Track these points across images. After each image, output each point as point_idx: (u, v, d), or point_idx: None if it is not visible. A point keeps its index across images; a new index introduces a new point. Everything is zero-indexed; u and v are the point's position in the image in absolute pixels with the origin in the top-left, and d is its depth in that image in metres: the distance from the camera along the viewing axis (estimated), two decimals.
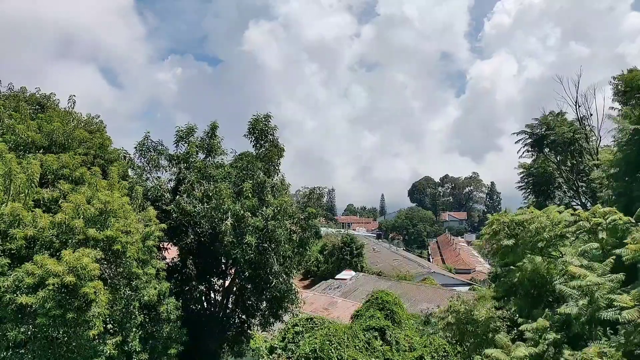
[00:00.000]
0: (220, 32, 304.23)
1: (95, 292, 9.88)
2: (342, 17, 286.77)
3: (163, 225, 12.95)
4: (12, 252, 10.21)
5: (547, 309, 9.58)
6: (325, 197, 19.42)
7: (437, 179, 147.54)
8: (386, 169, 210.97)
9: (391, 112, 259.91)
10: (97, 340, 10.52)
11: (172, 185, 16.82)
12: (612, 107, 24.68)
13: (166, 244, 16.05)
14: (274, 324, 18.29)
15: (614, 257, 8.77)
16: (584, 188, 32.46)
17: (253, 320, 18.19)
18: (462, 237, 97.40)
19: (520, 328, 9.54)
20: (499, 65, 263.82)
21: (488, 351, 8.96)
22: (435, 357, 19.10)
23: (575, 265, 9.37)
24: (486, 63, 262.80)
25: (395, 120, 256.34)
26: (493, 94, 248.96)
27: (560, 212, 11.28)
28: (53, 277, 9.44)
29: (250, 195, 15.45)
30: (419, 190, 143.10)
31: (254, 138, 17.54)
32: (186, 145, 17.02)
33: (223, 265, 17.42)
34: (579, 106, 32.61)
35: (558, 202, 31.84)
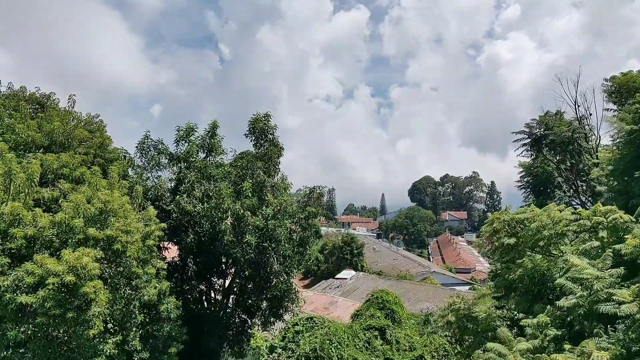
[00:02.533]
0: (231, 31, 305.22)
1: (95, 292, 9.87)
2: (356, 14, 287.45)
3: (163, 225, 12.94)
4: (12, 251, 10.21)
5: (548, 306, 9.59)
6: (326, 196, 19.41)
7: (437, 179, 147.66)
8: (405, 170, 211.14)
9: (408, 110, 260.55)
10: (97, 340, 10.51)
11: (172, 185, 16.82)
12: (607, 109, 24.78)
13: (166, 243, 16.06)
14: (274, 323, 18.29)
15: (611, 250, 8.79)
16: (583, 187, 32.49)
17: (253, 320, 18.20)
18: (463, 237, 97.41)
19: (521, 323, 9.55)
20: (517, 56, 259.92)
21: (490, 345, 8.98)
22: (435, 357, 19.09)
23: (576, 265, 9.37)
24: (502, 55, 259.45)
25: (415, 117, 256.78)
26: (516, 87, 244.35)
27: (561, 211, 11.30)
28: (53, 277, 9.44)
29: (250, 194, 15.46)
30: (419, 190, 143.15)
31: (254, 137, 17.55)
32: (187, 144, 17.02)
33: (223, 265, 17.42)
34: (578, 106, 32.65)
35: (558, 202, 31.91)
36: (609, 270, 8.35)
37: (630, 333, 7.24)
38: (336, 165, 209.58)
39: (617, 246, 8.62)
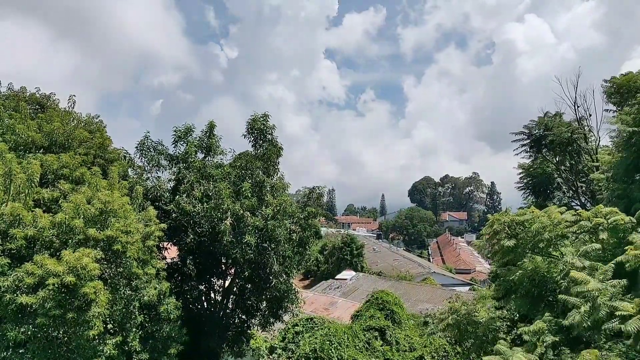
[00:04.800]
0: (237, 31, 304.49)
1: (95, 292, 9.88)
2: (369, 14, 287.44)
3: (163, 225, 12.94)
4: (12, 252, 10.22)
5: (547, 310, 9.57)
6: (325, 196, 19.40)
7: (437, 179, 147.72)
8: (419, 169, 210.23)
9: (423, 108, 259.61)
10: (97, 340, 10.52)
11: (171, 185, 16.81)
12: (607, 110, 24.76)
13: (166, 243, 16.05)
14: (274, 323, 18.29)
15: (614, 263, 8.72)
16: (583, 188, 32.46)
17: (253, 320, 18.19)
18: (462, 237, 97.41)
19: (518, 331, 9.50)
20: (535, 51, 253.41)
21: (486, 358, 8.91)
22: (435, 357, 19.09)
23: (577, 267, 9.34)
24: (519, 49, 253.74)
25: (430, 116, 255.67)
26: (535, 83, 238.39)
27: (561, 213, 11.27)
28: (53, 277, 9.45)
29: (249, 194, 15.45)
30: (419, 191, 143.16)
31: (252, 138, 17.53)
32: (185, 145, 17.01)
33: (223, 265, 17.41)
34: (578, 106, 32.63)
35: (558, 203, 31.89)
36: (611, 281, 8.27)
37: (636, 345, 7.12)
38: (346, 165, 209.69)
39: (619, 258, 8.56)
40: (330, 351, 17.32)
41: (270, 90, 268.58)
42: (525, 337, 9.00)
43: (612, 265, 8.68)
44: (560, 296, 8.92)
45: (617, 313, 7.43)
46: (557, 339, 8.48)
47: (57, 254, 10.15)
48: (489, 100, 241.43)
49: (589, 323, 7.85)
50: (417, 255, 77.64)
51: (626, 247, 8.59)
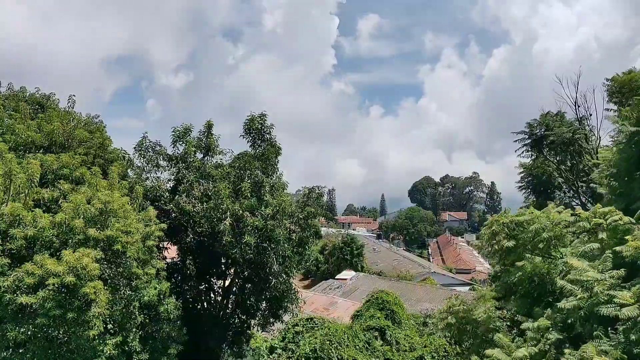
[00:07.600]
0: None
1: (95, 292, 9.88)
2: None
3: (163, 225, 12.94)
4: (12, 252, 10.23)
5: (548, 309, 9.57)
6: (325, 196, 19.39)
7: (437, 179, 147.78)
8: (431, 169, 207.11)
9: (443, 103, 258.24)
10: (97, 340, 10.51)
11: (171, 185, 16.82)
12: (608, 109, 24.78)
13: (166, 243, 16.05)
14: (273, 323, 18.29)
15: (611, 252, 8.76)
16: (584, 188, 32.48)
17: (253, 320, 18.19)
18: (462, 237, 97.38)
19: (522, 327, 9.52)
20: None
21: (488, 352, 8.92)
22: (435, 357, 19.09)
23: (576, 266, 9.34)
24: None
25: (449, 112, 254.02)
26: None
27: (559, 212, 11.28)
28: (53, 277, 9.46)
29: (248, 194, 15.45)
30: (419, 191, 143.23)
31: (250, 138, 17.53)
32: (184, 145, 17.01)
33: (223, 265, 17.42)
34: (579, 106, 32.69)
35: (558, 202, 31.89)
36: (610, 271, 8.32)
37: (631, 335, 7.22)
38: (368, 166, 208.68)
39: (617, 248, 8.59)
40: (330, 351, 17.31)
41: (276, 92, 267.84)
42: (529, 334, 9.01)
43: (610, 255, 8.69)
44: (559, 282, 8.94)
45: (615, 300, 7.48)
46: (560, 337, 8.49)
47: (57, 254, 10.16)
48: (512, 95, 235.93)
49: (586, 311, 7.87)
50: (417, 255, 77.64)
51: (626, 237, 8.61)
